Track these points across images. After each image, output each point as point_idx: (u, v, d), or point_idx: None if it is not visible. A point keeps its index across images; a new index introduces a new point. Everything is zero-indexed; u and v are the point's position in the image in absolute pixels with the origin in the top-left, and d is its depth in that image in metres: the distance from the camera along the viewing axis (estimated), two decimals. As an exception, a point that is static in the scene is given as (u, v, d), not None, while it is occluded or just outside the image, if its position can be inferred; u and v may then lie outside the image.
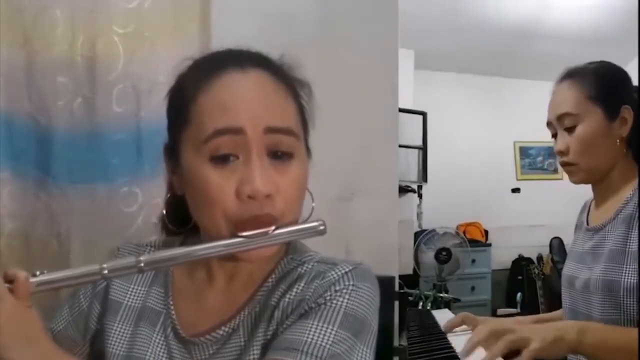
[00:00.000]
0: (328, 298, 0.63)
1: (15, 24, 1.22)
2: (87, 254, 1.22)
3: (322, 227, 0.63)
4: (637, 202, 0.99)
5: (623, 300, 0.95)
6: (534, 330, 0.93)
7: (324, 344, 0.59)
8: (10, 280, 0.56)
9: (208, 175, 0.61)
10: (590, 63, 1.09)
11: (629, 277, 0.94)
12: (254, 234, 0.60)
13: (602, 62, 1.10)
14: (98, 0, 1.24)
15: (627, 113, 1.03)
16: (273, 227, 0.61)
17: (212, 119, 0.61)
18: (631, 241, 0.97)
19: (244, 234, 0.60)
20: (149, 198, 1.26)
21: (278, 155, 0.63)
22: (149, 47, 1.26)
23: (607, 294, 0.98)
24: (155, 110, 1.25)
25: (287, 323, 0.64)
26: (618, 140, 1.03)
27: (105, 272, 0.58)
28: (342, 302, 0.63)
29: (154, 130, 1.24)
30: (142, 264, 0.59)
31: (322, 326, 0.60)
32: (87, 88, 1.24)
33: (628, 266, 0.95)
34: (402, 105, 2.04)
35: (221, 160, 0.61)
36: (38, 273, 0.58)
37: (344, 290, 0.64)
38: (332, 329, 0.60)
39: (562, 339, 0.89)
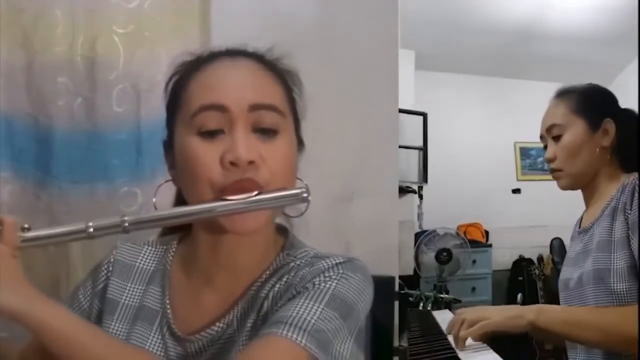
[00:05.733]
0: (316, 282, 0.63)
1: (15, 24, 1.22)
2: (87, 254, 1.22)
3: (305, 194, 0.63)
4: (619, 198, 1.06)
5: (614, 287, 1.00)
6: (498, 308, 1.11)
7: (309, 318, 0.58)
8: None
9: (195, 148, 0.63)
10: (579, 85, 1.21)
11: (617, 263, 1.01)
12: (236, 198, 0.61)
13: (589, 83, 1.22)
14: (98, 0, 1.24)
15: (609, 125, 1.13)
16: (255, 192, 0.61)
17: (199, 97, 0.65)
18: (615, 230, 1.04)
19: (227, 197, 0.61)
20: (149, 198, 1.24)
21: (263, 131, 0.64)
22: (149, 47, 1.27)
23: (599, 283, 1.03)
24: (155, 110, 1.25)
25: (276, 308, 0.63)
26: (598, 149, 1.13)
27: (91, 230, 0.59)
28: (331, 285, 0.63)
29: (154, 130, 1.25)
30: (127, 224, 0.59)
31: (309, 304, 0.60)
32: (87, 88, 1.25)
33: (615, 253, 1.02)
34: (402, 106, 2.04)
35: (208, 134, 0.63)
36: (27, 226, 0.58)
37: (334, 277, 0.64)
38: (318, 306, 0.60)
39: (522, 317, 1.04)
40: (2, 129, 1.22)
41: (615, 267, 1.01)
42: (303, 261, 0.69)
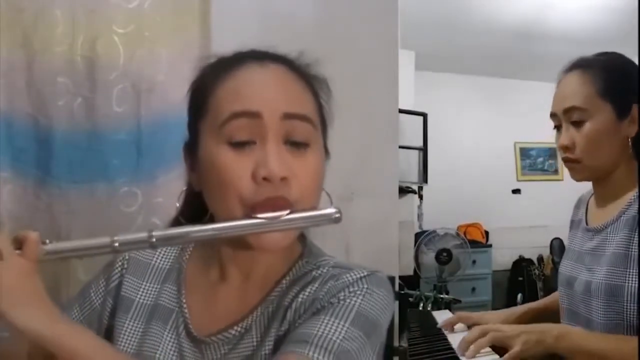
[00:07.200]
0: (342, 297, 0.62)
1: (15, 24, 1.22)
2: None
3: (337, 215, 0.62)
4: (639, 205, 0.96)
5: (626, 305, 0.93)
6: (519, 332, 1.00)
7: (334, 338, 0.58)
8: (19, 246, 0.56)
9: (224, 158, 0.61)
10: (601, 54, 1.05)
11: (633, 282, 0.93)
12: (267, 216, 0.60)
13: (612, 53, 1.05)
14: (98, 0, 1.24)
15: (637, 112, 0.99)
16: (287, 211, 0.60)
17: (229, 103, 0.62)
18: (634, 244, 0.94)
19: (258, 215, 0.60)
20: (149, 198, 1.26)
21: (295, 143, 0.63)
22: (149, 47, 1.26)
23: (610, 299, 0.96)
24: (155, 110, 1.25)
25: (300, 322, 0.63)
26: (630, 140, 1.00)
27: (116, 244, 0.57)
28: (356, 301, 0.62)
29: (154, 130, 1.25)
30: (154, 239, 0.58)
31: (334, 321, 0.60)
32: (87, 88, 1.24)
33: (631, 270, 0.93)
34: (402, 106, 2.05)
35: (238, 145, 0.61)
36: (48, 241, 0.58)
37: (358, 292, 0.63)
38: (343, 325, 0.60)
39: (543, 342, 0.96)
40: (2, 129, 1.21)
41: (629, 285, 0.93)
42: (325, 270, 0.68)
